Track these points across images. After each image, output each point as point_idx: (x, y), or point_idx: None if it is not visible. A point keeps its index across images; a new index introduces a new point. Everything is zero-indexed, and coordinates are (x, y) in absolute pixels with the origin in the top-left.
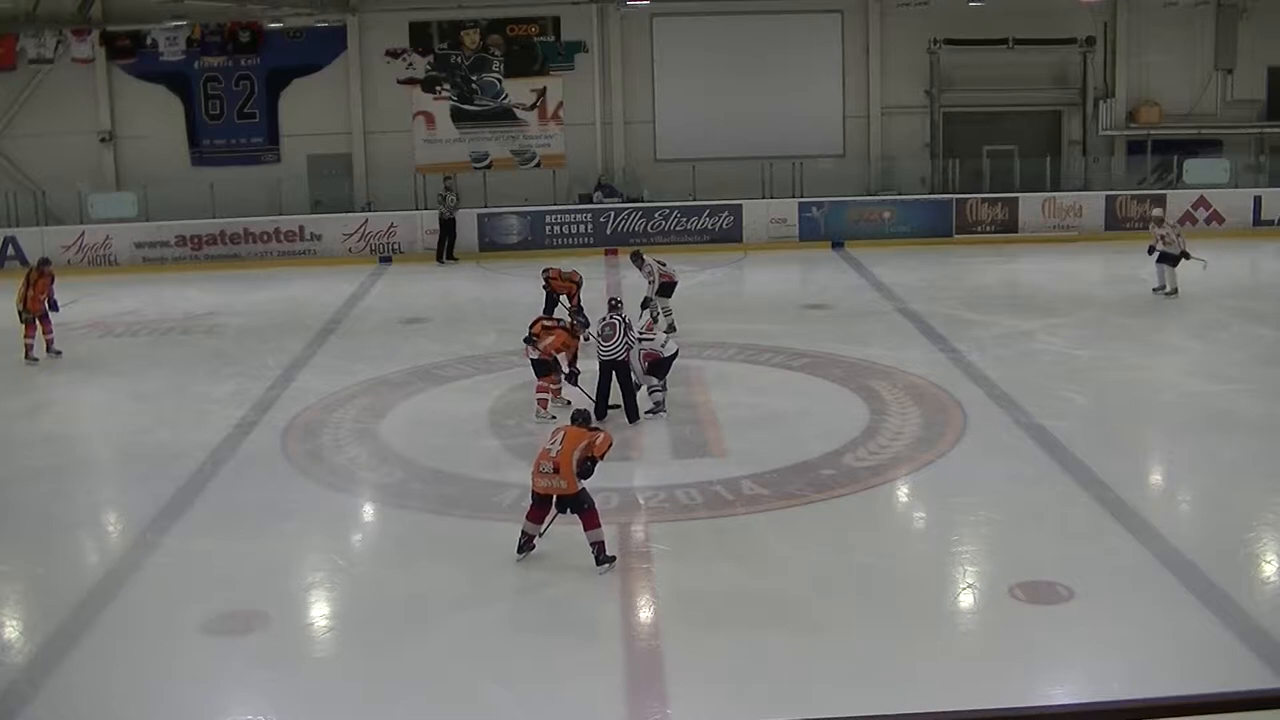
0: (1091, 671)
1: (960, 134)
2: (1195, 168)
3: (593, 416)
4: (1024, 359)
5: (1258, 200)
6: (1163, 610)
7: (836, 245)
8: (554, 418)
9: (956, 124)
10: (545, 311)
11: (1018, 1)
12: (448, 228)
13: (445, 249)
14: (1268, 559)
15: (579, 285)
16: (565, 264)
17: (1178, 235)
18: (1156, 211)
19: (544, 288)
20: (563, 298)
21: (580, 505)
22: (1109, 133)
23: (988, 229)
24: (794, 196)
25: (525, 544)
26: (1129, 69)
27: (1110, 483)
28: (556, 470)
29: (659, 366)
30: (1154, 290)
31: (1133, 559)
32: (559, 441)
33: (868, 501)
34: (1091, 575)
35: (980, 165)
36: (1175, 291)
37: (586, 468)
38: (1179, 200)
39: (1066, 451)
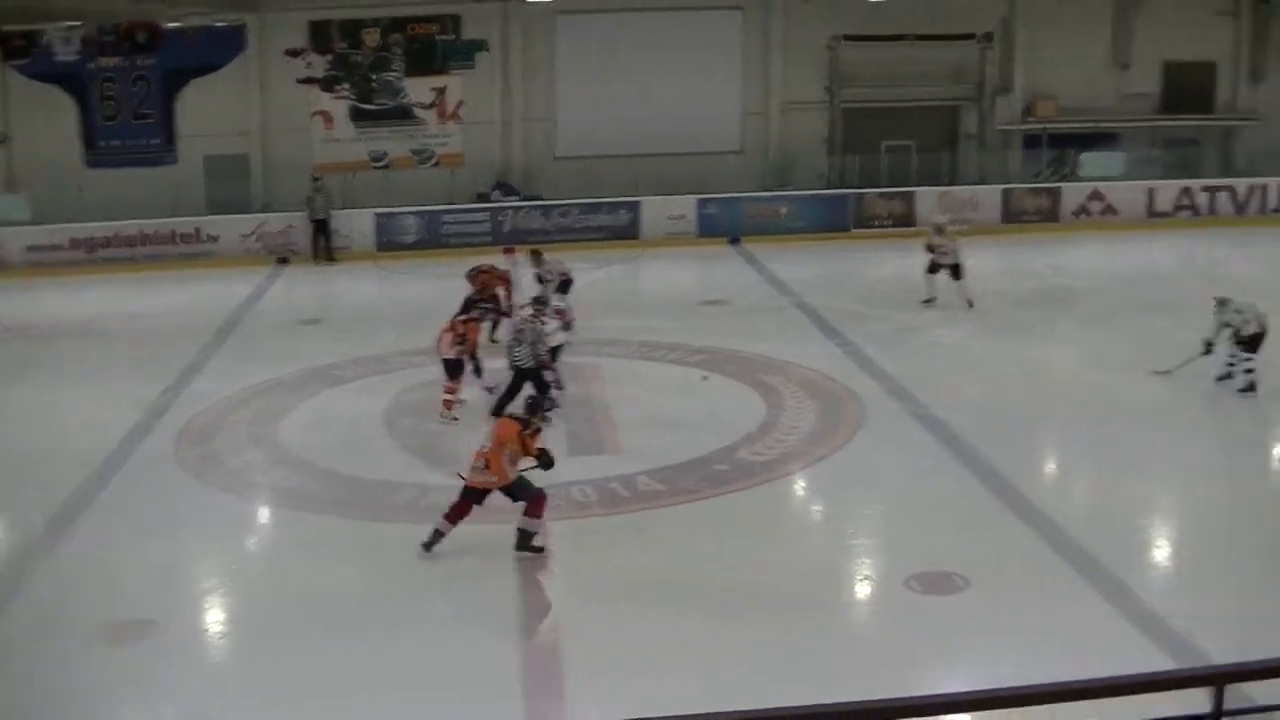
0: (988, 659)
1: (859, 129)
2: (1091, 161)
3: (539, 405)
4: (920, 352)
5: (1151, 192)
6: (1058, 598)
7: (734, 241)
8: (456, 419)
9: (856, 119)
10: (461, 312)
11: None
12: (320, 228)
13: (322, 249)
14: (1159, 544)
15: (510, 283)
16: (471, 263)
17: (956, 246)
18: (939, 218)
19: (472, 282)
20: (500, 292)
21: (517, 494)
22: (1005, 127)
23: (885, 223)
24: (692, 193)
25: (434, 539)
26: (1026, 64)
27: (1005, 473)
28: (487, 465)
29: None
30: (924, 303)
31: (1028, 548)
32: (488, 438)
33: (764, 496)
34: (987, 565)
35: (878, 160)
36: (971, 304)
37: (548, 461)
38: (1074, 193)
39: (962, 443)
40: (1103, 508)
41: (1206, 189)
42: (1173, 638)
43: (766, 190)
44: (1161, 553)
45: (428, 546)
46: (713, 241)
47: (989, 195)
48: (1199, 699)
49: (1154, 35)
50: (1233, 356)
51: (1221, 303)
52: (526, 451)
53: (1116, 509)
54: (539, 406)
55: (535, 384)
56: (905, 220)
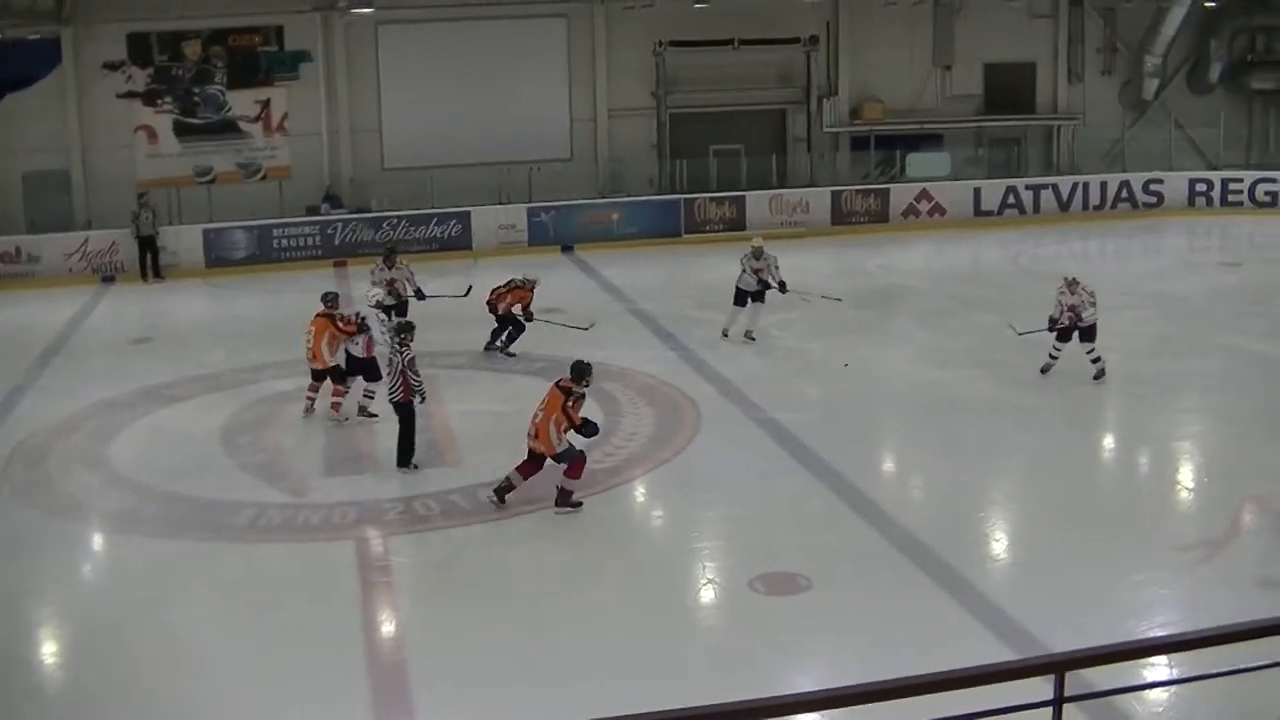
0: (834, 657)
1: (687, 134)
2: (917, 161)
3: (587, 368)
4: (756, 355)
5: (977, 191)
6: (900, 594)
7: (566, 249)
8: (347, 419)
9: (683, 125)
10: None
11: (742, 2)
12: (147, 245)
13: (150, 267)
14: (997, 538)
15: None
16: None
17: (774, 269)
18: (757, 241)
19: (499, 302)
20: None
21: (563, 460)
22: (833, 129)
23: (716, 227)
24: (523, 202)
25: (504, 488)
26: (852, 67)
27: (844, 472)
28: (536, 435)
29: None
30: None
31: (869, 546)
32: (542, 406)
33: (606, 503)
34: (829, 564)
35: (707, 165)
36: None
37: (590, 429)
38: (902, 194)
39: (801, 444)
40: (940, 503)
41: (1030, 187)
42: (1013, 628)
43: (598, 197)
44: (999, 545)
45: (499, 494)
46: (545, 250)
47: (818, 197)
48: (1041, 687)
49: (974, 37)
50: (1056, 348)
51: (1071, 283)
52: (570, 421)
53: (954, 504)
54: (585, 371)
55: (401, 417)
56: (736, 224)
